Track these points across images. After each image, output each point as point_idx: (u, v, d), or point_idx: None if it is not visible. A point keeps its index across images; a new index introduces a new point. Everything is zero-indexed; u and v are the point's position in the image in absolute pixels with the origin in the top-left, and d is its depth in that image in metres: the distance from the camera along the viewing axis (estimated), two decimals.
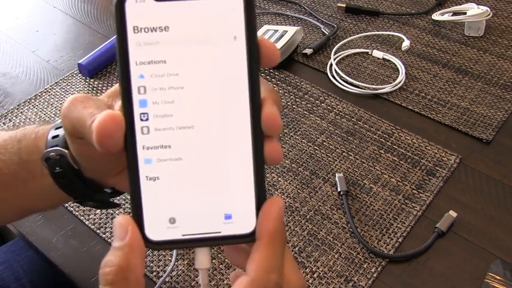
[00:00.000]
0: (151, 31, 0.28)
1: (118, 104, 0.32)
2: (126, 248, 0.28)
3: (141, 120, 0.28)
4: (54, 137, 0.39)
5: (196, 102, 0.28)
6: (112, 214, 0.58)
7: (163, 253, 0.54)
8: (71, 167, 0.38)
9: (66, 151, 0.38)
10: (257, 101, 0.29)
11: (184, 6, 0.27)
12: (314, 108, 0.71)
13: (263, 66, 0.29)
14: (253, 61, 0.28)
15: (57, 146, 0.38)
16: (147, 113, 0.28)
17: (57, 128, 0.39)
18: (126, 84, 0.28)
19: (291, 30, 0.78)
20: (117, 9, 0.28)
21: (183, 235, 0.28)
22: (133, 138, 0.28)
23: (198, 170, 0.28)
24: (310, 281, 0.51)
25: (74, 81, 0.77)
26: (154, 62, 0.28)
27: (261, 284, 0.28)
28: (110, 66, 0.79)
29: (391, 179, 0.61)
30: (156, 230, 0.28)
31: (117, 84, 0.31)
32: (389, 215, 0.57)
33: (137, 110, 0.28)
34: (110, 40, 0.80)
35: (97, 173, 0.39)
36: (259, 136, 0.28)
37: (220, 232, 0.28)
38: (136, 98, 0.28)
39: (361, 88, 0.73)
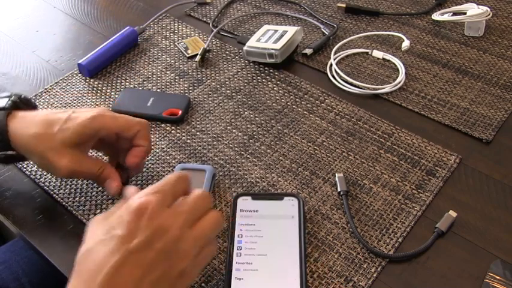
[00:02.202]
0: (248, 211, 0.56)
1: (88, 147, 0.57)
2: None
3: (237, 249, 0.52)
4: None
5: (269, 244, 0.53)
6: None
7: None
8: (6, 140, 0.53)
9: (14, 153, 0.55)
10: (303, 247, 0.52)
11: (267, 202, 0.57)
12: (314, 108, 0.71)
13: None
14: (301, 228, 0.54)
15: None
16: (241, 246, 0.53)
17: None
18: (232, 232, 0.54)
19: (291, 30, 0.78)
20: (233, 201, 0.57)
21: None
22: (232, 258, 0.52)
23: (266, 276, 0.50)
24: (310, 281, 0.51)
25: (73, 81, 0.77)
26: (248, 224, 0.55)
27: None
28: (110, 66, 0.79)
29: (391, 179, 0.61)
30: None
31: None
32: (389, 215, 0.57)
33: (236, 245, 0.53)
34: (109, 40, 0.80)
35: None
36: (303, 264, 0.51)
37: None
38: (236, 239, 0.53)
39: (361, 88, 0.73)
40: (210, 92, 0.74)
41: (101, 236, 0.40)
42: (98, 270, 0.37)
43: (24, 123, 0.53)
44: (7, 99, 0.55)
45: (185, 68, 0.79)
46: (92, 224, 0.42)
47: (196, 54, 0.80)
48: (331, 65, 0.77)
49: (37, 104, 0.73)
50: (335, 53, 0.79)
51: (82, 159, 0.54)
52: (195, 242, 0.42)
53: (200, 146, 0.66)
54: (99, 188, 0.61)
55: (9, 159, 0.56)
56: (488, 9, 0.81)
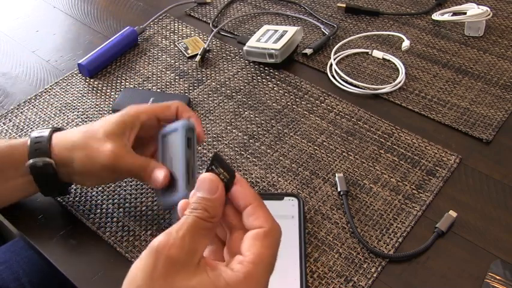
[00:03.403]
0: None
1: (131, 138, 0.53)
2: (217, 201, 0.35)
3: None
4: (36, 143, 0.53)
5: None
6: (112, 214, 0.58)
7: None
8: (53, 170, 0.52)
9: (52, 161, 0.52)
10: (303, 248, 0.52)
11: (267, 202, 0.47)
12: (314, 108, 0.71)
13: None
14: (301, 228, 0.54)
15: (39, 151, 0.52)
16: None
17: (35, 144, 0.53)
18: None
19: (291, 30, 0.78)
20: None
21: None
22: None
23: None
24: (310, 281, 0.51)
25: (73, 81, 0.77)
26: None
27: (275, 230, 0.36)
28: (110, 66, 0.79)
29: (391, 179, 0.61)
30: None
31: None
32: (389, 215, 0.57)
33: None
34: (109, 40, 0.80)
35: (76, 175, 0.53)
36: (303, 264, 0.51)
37: None
38: None
39: (361, 88, 0.73)
40: (210, 92, 0.74)
41: None
42: None
43: (66, 133, 0.55)
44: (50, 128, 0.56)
45: (185, 68, 0.79)
46: (160, 261, 0.32)
47: (196, 54, 0.80)
48: (331, 65, 0.77)
49: (37, 104, 0.73)
50: (335, 53, 0.79)
51: (128, 148, 0.52)
52: None
53: (200, 146, 0.66)
54: (99, 188, 0.61)
55: (50, 183, 0.54)
56: (488, 9, 0.81)
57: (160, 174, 0.50)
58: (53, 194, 0.57)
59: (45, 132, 0.54)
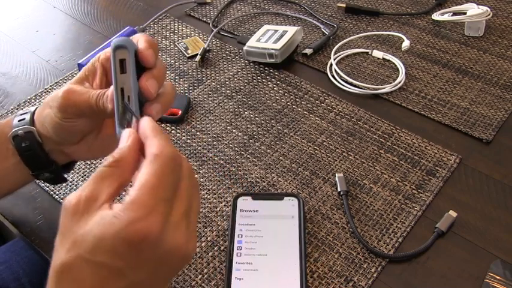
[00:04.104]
0: (248, 211, 0.56)
1: (96, 82, 0.47)
2: (125, 148, 0.36)
3: (237, 249, 0.53)
4: (20, 120, 0.50)
5: (269, 244, 0.53)
6: None
7: None
8: (36, 141, 0.49)
9: (34, 128, 0.49)
10: (303, 248, 0.53)
11: (267, 202, 0.57)
12: (314, 108, 0.71)
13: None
14: (301, 228, 0.54)
15: (22, 122, 0.50)
16: (241, 246, 0.53)
17: (20, 116, 0.51)
18: (232, 232, 0.54)
19: (291, 30, 0.78)
20: (234, 201, 0.57)
21: None
22: (232, 258, 0.52)
23: (266, 276, 0.51)
24: (310, 281, 0.51)
25: None
26: (248, 224, 0.55)
27: (162, 154, 0.35)
28: None
29: (391, 179, 0.61)
30: None
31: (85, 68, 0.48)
32: (389, 215, 0.57)
33: (236, 245, 0.53)
34: (109, 40, 0.80)
35: (61, 144, 0.50)
36: (303, 264, 0.51)
37: None
38: (236, 239, 0.54)
39: (361, 88, 0.73)
40: (210, 92, 0.74)
41: (84, 253, 0.32)
42: None
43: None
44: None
45: (185, 68, 0.79)
46: (66, 216, 0.34)
47: (196, 54, 0.80)
48: (331, 65, 0.77)
49: (37, 104, 0.73)
50: (335, 53, 0.79)
51: (84, 86, 0.47)
52: (192, 228, 0.36)
53: (200, 146, 0.66)
54: None
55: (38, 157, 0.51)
56: (488, 9, 0.81)
57: (105, 97, 0.44)
58: (43, 172, 0.52)
59: (32, 108, 0.52)
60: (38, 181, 0.62)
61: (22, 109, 0.72)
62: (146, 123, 0.38)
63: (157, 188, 0.33)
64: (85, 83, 0.48)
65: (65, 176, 0.56)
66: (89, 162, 0.65)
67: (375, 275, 0.52)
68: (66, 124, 0.47)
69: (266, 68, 0.78)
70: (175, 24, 0.88)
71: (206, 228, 0.57)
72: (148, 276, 0.34)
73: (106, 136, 0.52)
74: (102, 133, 0.51)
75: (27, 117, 0.51)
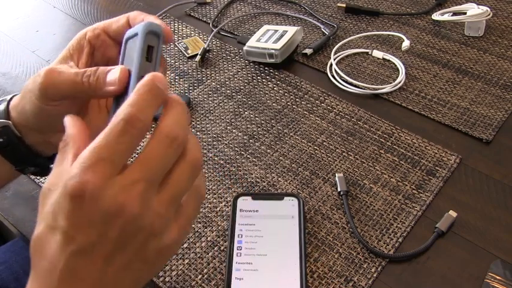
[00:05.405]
0: (248, 211, 0.56)
1: (81, 61, 0.44)
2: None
3: (237, 249, 0.53)
4: None
5: (269, 244, 0.53)
6: None
7: None
8: (14, 135, 0.45)
9: (9, 122, 0.45)
10: (303, 248, 0.53)
11: (267, 202, 0.57)
12: (314, 108, 0.71)
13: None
14: (301, 228, 0.54)
15: None
16: (241, 246, 0.53)
17: None
18: (232, 232, 0.54)
19: (291, 30, 0.78)
20: (234, 201, 0.57)
21: None
22: (232, 258, 0.52)
23: (266, 276, 0.51)
24: (310, 281, 0.51)
25: None
26: (248, 224, 0.55)
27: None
28: None
29: (391, 179, 0.61)
30: None
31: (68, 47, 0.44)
32: (389, 215, 0.57)
33: (236, 245, 0.53)
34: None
35: (44, 133, 0.46)
36: (303, 264, 0.51)
37: None
38: (236, 239, 0.54)
39: (361, 88, 0.73)
40: (210, 92, 0.74)
41: (49, 220, 0.33)
42: (51, 271, 0.32)
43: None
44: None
45: (185, 68, 0.79)
46: (42, 195, 0.35)
47: (196, 54, 0.80)
48: (331, 65, 0.77)
49: None
50: (335, 53, 0.79)
51: (67, 65, 0.43)
52: (167, 207, 0.33)
53: (200, 146, 0.66)
54: None
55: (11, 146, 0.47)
56: (488, 9, 0.81)
57: (113, 75, 0.38)
58: (28, 166, 0.49)
59: (8, 96, 0.47)
60: (37, 181, 0.62)
61: None
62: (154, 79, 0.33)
63: (101, 148, 0.31)
64: (69, 61, 0.44)
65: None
66: None
67: (375, 275, 0.52)
68: (48, 107, 0.43)
69: (266, 68, 0.78)
70: (175, 24, 0.88)
71: (206, 228, 0.57)
72: (99, 240, 0.32)
73: (93, 119, 0.47)
74: (87, 117, 0.47)
75: (2, 107, 0.45)
